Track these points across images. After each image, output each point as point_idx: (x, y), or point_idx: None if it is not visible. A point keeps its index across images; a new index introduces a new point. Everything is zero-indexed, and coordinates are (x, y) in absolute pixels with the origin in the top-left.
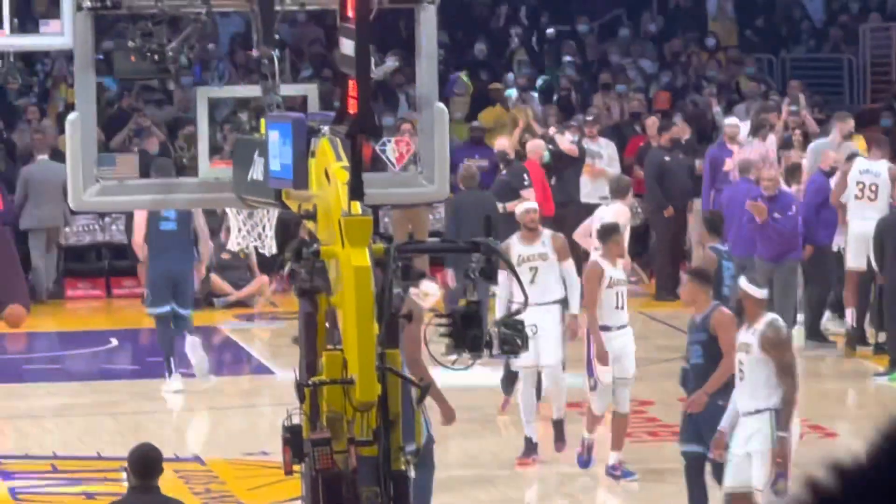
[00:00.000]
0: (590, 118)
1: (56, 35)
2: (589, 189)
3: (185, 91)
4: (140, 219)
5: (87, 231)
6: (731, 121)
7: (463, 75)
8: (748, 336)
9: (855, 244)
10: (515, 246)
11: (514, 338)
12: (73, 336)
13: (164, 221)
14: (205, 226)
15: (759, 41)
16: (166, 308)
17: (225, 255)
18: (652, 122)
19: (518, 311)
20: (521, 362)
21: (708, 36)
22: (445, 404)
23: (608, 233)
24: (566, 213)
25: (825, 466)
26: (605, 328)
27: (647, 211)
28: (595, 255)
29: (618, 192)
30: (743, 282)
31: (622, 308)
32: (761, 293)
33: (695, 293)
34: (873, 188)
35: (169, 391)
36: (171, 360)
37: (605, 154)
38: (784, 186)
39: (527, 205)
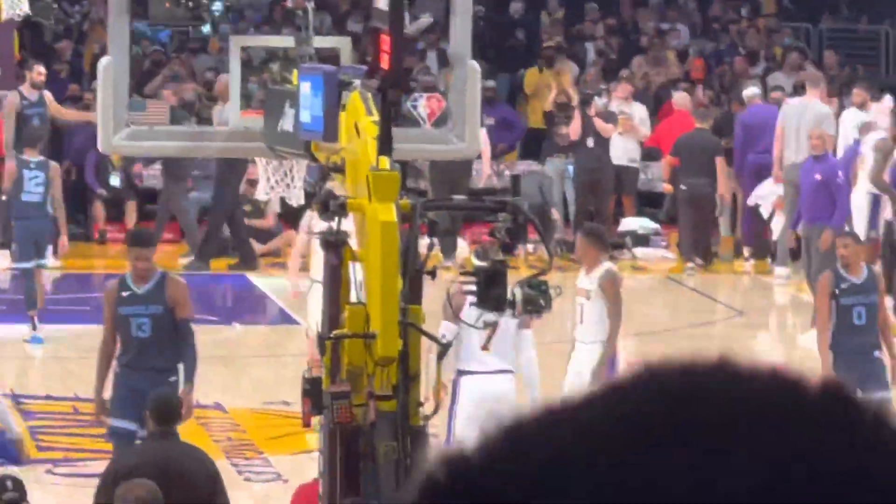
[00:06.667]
0: (623, 77)
1: None
2: (620, 151)
3: (222, 40)
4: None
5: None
6: (749, 91)
7: None
8: None
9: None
10: None
11: (537, 298)
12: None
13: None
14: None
15: (796, 10)
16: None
17: (247, 207)
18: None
19: (542, 272)
20: None
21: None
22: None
23: None
24: (601, 177)
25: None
26: None
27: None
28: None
29: None
30: None
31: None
32: None
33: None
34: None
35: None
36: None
37: (636, 116)
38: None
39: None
